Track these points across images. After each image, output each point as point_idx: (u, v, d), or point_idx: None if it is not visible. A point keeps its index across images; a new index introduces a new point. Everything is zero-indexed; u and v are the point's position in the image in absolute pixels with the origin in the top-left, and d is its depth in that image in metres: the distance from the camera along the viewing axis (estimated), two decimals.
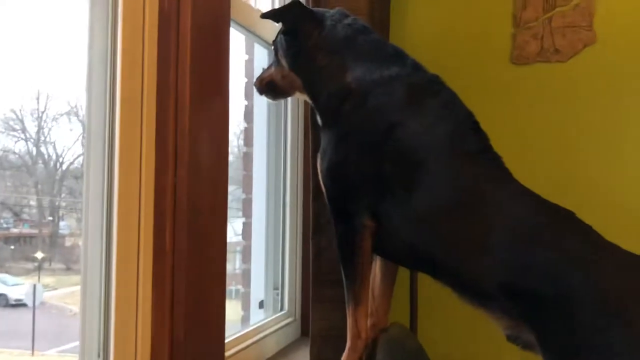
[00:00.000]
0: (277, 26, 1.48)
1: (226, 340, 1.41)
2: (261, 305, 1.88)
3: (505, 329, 1.18)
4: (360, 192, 1.25)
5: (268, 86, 1.49)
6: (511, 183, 1.22)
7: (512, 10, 2.17)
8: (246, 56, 1.93)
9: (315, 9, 1.49)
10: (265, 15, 1.44)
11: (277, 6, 1.89)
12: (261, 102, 1.92)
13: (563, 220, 1.16)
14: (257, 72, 1.90)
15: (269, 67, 1.53)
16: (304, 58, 1.38)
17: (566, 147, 2.11)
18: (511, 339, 1.18)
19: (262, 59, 1.91)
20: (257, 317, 1.84)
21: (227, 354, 1.45)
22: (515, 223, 1.15)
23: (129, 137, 1.14)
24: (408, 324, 2.09)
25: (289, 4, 1.42)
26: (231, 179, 1.43)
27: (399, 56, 1.34)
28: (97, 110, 1.15)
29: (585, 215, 1.17)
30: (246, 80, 1.95)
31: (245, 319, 1.83)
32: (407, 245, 1.24)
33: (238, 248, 1.94)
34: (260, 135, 1.95)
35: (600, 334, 1.00)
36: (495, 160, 1.25)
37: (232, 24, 1.43)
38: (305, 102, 1.87)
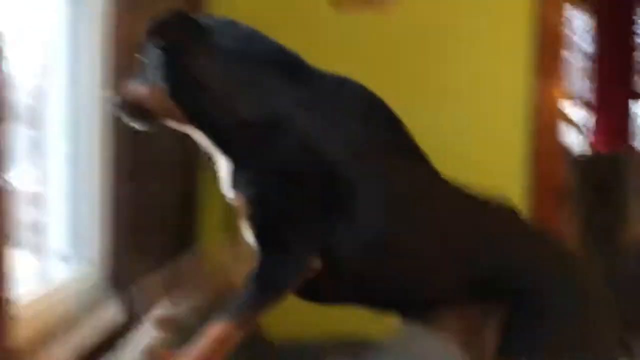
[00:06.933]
0: None
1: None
2: (62, 258, 1.65)
3: (456, 335, 1.25)
4: (303, 228, 1.17)
5: (136, 109, 1.25)
6: (444, 184, 1.25)
7: None
8: None
9: (202, 18, 1.22)
10: (150, 35, 1.19)
11: None
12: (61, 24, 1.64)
13: (501, 217, 1.29)
14: None
15: (135, 82, 1.25)
16: (191, 82, 1.16)
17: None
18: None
19: None
20: (58, 272, 1.61)
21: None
22: (464, 228, 1.22)
23: None
24: None
25: (172, 17, 1.18)
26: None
27: (301, 67, 1.23)
28: None
29: None
30: None
31: (42, 275, 1.58)
32: (354, 281, 1.21)
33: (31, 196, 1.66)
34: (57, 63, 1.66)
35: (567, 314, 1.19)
36: (424, 161, 1.26)
37: None
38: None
